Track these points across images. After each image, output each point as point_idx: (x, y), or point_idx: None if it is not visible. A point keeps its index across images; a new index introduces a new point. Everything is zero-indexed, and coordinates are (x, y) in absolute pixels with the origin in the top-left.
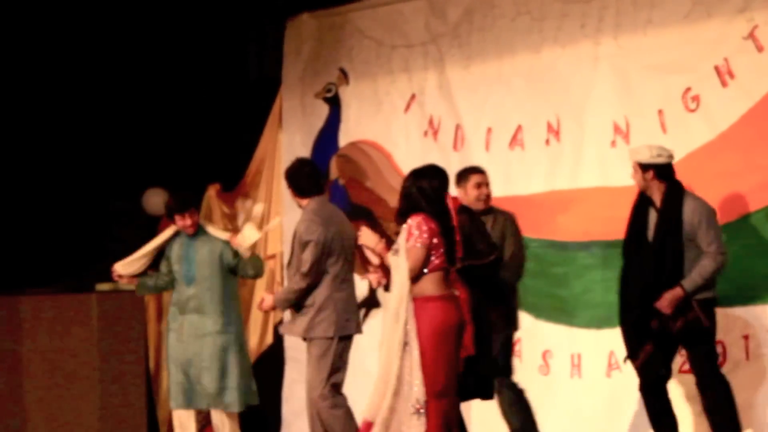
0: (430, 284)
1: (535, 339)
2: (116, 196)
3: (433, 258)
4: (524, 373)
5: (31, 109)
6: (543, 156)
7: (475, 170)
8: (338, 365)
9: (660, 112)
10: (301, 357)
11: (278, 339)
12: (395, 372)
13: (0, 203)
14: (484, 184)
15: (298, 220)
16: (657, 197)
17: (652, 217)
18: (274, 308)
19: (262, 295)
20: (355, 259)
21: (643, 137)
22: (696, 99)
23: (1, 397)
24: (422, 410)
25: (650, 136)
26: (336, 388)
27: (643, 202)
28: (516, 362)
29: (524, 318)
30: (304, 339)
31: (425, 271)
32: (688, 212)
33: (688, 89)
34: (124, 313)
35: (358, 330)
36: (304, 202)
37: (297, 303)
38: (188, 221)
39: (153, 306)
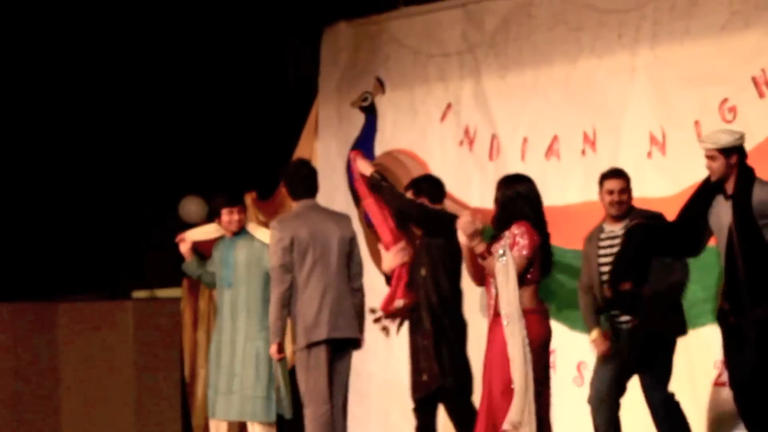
0: (525, 297)
1: (570, 350)
2: (153, 203)
3: (531, 270)
4: (559, 384)
5: (70, 118)
6: (579, 166)
7: (608, 175)
8: (321, 374)
9: (696, 123)
10: None
11: None
12: (529, 380)
13: (39, 211)
14: (616, 190)
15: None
16: (731, 185)
17: (722, 207)
18: (279, 348)
19: None
20: (340, 261)
21: (680, 148)
22: (733, 110)
23: (37, 403)
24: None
25: (687, 147)
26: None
27: (708, 190)
28: (550, 373)
29: (559, 329)
30: None
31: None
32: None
33: (725, 100)
34: (159, 320)
35: (337, 334)
36: (294, 204)
37: (282, 317)
38: (235, 216)
39: (189, 313)
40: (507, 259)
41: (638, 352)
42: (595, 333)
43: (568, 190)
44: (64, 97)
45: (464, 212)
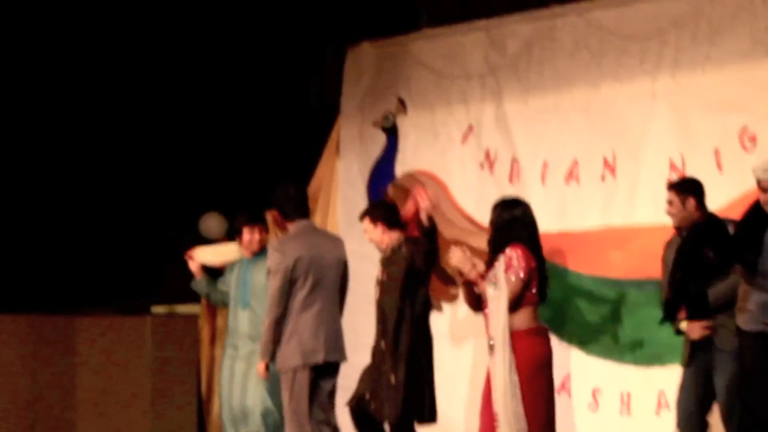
0: (523, 318)
1: (585, 375)
2: (174, 220)
3: (527, 293)
4: (573, 410)
5: (92, 135)
6: (598, 191)
7: (670, 186)
8: (316, 398)
9: (716, 150)
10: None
11: None
12: (518, 408)
13: (61, 224)
14: (668, 201)
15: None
16: None
17: None
18: (267, 367)
19: None
20: (336, 285)
21: (699, 175)
22: (753, 139)
23: (53, 416)
24: None
25: (706, 174)
26: (323, 427)
27: (760, 220)
28: (565, 398)
29: (575, 354)
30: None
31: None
32: None
33: (745, 128)
34: (177, 336)
35: (332, 357)
36: (289, 225)
37: (275, 339)
38: (256, 236)
39: (206, 330)
40: (500, 283)
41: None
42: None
43: (588, 215)
44: (87, 115)
45: (455, 248)
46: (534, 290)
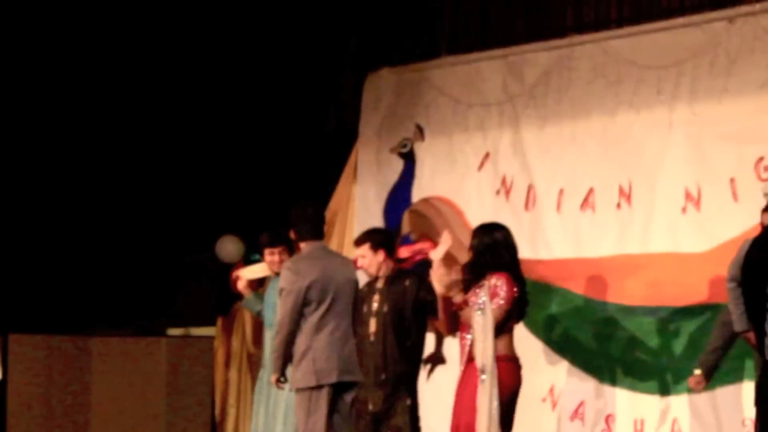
0: (503, 345)
1: (599, 403)
2: (192, 242)
3: (509, 320)
4: None
5: (112, 155)
6: (614, 219)
7: None
8: (338, 413)
9: (732, 180)
10: None
11: None
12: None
13: (78, 245)
14: None
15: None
16: None
17: None
18: (278, 381)
19: None
20: (348, 306)
21: (715, 205)
22: None
23: None
24: None
25: (722, 204)
26: None
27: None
28: (578, 425)
29: (588, 381)
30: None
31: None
32: None
33: (761, 158)
34: (192, 358)
35: (346, 378)
36: (302, 245)
37: (286, 356)
38: (276, 257)
39: (221, 352)
40: (486, 310)
41: None
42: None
43: (603, 242)
44: (106, 137)
45: (437, 262)
46: (514, 316)
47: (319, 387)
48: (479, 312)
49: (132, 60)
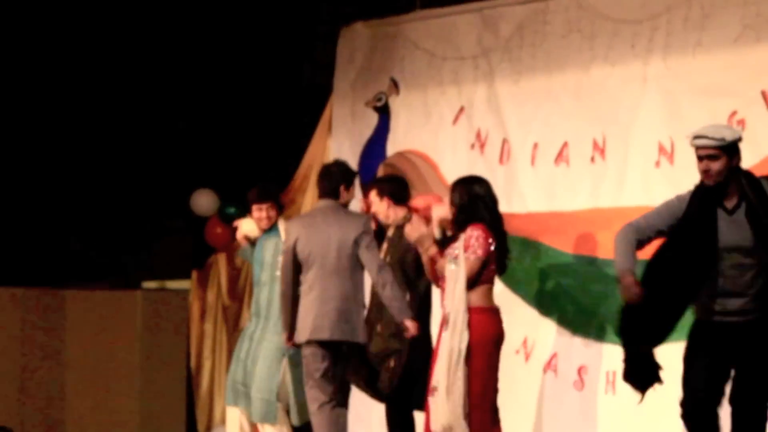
0: (478, 296)
1: (571, 354)
2: (166, 196)
3: (484, 271)
4: (560, 388)
5: (86, 108)
6: (587, 173)
7: None
8: (308, 374)
9: None
10: None
11: None
12: (462, 383)
13: (52, 199)
14: None
15: None
16: (734, 192)
17: (726, 222)
18: (288, 337)
19: None
20: (340, 265)
21: (688, 159)
22: (741, 123)
23: (43, 389)
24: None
25: (694, 158)
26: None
27: (709, 201)
28: (551, 377)
29: (562, 334)
30: None
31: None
32: None
33: (734, 113)
34: (168, 311)
35: (315, 335)
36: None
37: (287, 312)
38: (264, 213)
39: (197, 305)
40: (458, 261)
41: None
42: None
43: (577, 196)
44: (80, 89)
45: (412, 218)
46: (492, 267)
47: (308, 344)
48: (452, 262)
49: (100, 17)
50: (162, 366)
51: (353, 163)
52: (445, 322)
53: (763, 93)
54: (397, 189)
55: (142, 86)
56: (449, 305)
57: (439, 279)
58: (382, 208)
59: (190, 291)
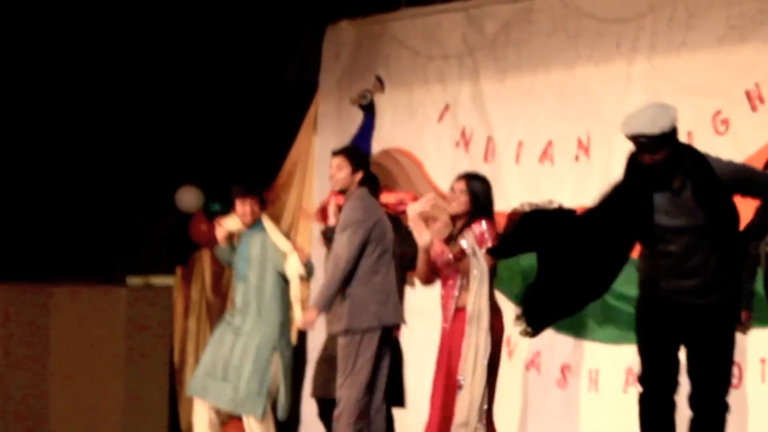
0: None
1: (554, 352)
2: (152, 192)
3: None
4: (542, 386)
5: (70, 105)
6: (572, 172)
7: None
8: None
9: (689, 133)
10: None
11: (301, 341)
12: (484, 381)
13: (38, 194)
14: None
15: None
16: (679, 172)
17: (674, 203)
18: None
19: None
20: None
21: None
22: (725, 122)
23: (26, 384)
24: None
25: None
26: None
27: (647, 181)
28: (534, 374)
29: (545, 331)
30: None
31: None
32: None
33: (718, 112)
34: (152, 308)
35: (398, 320)
36: (354, 180)
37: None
38: (247, 208)
39: (180, 301)
40: (479, 257)
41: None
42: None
43: (561, 194)
44: (66, 86)
45: (417, 216)
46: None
47: (368, 331)
48: (474, 258)
49: (87, 13)
50: (146, 362)
51: None
52: (461, 314)
53: (748, 93)
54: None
55: (127, 83)
56: (472, 302)
57: (434, 276)
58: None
59: (174, 287)
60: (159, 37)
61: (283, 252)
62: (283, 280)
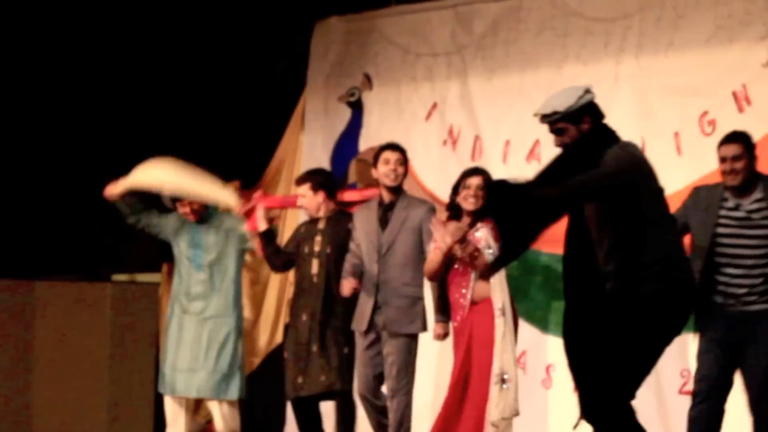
0: None
1: (540, 352)
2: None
3: None
4: (528, 386)
5: (55, 100)
6: None
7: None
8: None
9: (676, 134)
10: None
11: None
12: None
13: (22, 190)
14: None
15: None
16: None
17: None
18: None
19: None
20: None
21: (658, 158)
22: (712, 123)
23: (10, 381)
24: None
25: (665, 157)
26: None
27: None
28: (519, 375)
29: (530, 331)
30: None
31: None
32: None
33: (705, 113)
34: (137, 304)
35: None
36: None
37: None
38: (187, 209)
39: (166, 298)
40: (494, 252)
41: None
42: None
43: None
44: (51, 79)
45: (452, 223)
46: None
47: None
48: (491, 255)
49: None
50: (131, 358)
51: (326, 159)
52: (478, 307)
53: (735, 93)
54: (331, 182)
55: (115, 80)
56: (499, 296)
57: (443, 272)
58: (316, 201)
59: (160, 284)
60: (147, 34)
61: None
62: (239, 262)
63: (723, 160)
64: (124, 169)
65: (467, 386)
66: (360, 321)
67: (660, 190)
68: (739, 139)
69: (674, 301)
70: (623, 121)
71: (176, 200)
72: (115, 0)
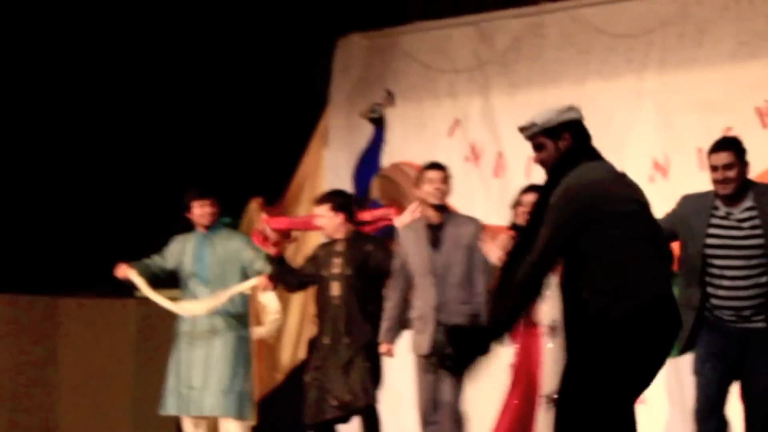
0: None
1: None
2: (162, 206)
3: None
4: None
5: (82, 114)
6: None
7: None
8: None
9: (699, 150)
10: None
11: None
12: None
13: (48, 205)
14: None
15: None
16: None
17: None
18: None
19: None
20: None
21: (682, 174)
22: None
23: (35, 398)
24: None
25: (688, 173)
26: None
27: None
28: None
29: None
30: None
31: None
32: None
33: (728, 128)
34: (161, 320)
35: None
36: None
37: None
38: (207, 209)
39: None
40: None
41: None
42: None
43: None
44: (76, 96)
45: (502, 236)
46: None
47: None
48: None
49: (98, 20)
50: (155, 375)
51: (348, 175)
52: (534, 330)
53: (758, 109)
54: (351, 204)
55: (139, 95)
56: (553, 315)
57: None
58: (334, 223)
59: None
60: (169, 49)
61: (244, 242)
62: (246, 276)
63: (714, 168)
64: (149, 187)
65: (516, 410)
66: (421, 345)
67: (626, 213)
68: (730, 146)
69: (643, 323)
70: (646, 137)
71: (194, 199)
72: (139, 19)
